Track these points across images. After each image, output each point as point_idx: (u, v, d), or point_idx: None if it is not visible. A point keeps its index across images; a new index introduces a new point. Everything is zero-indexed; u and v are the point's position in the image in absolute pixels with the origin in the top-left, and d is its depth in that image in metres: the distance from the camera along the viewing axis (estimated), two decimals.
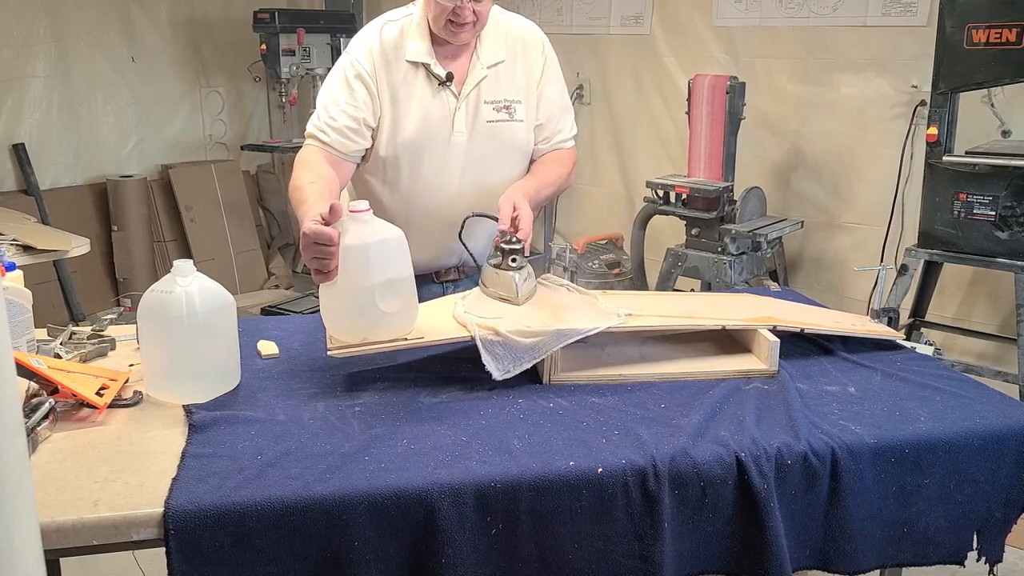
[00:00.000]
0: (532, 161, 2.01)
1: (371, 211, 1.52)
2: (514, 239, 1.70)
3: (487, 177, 1.94)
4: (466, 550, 1.25)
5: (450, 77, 1.87)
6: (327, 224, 1.45)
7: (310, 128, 1.87)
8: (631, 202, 4.56)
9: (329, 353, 1.52)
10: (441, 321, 1.63)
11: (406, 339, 1.55)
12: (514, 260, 1.70)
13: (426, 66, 1.87)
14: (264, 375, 1.62)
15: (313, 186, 1.70)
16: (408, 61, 1.86)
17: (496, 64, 1.91)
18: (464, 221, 1.81)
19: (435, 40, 1.87)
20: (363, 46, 1.86)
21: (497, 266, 1.72)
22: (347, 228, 1.48)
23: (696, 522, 1.34)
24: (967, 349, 3.56)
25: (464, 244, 1.83)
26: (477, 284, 1.94)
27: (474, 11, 1.79)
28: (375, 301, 1.49)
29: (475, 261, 1.92)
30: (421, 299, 1.78)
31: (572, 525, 1.29)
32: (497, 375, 1.52)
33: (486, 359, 1.53)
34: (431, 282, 2.01)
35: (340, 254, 1.46)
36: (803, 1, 3.83)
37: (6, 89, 4.37)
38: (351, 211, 1.49)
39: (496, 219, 1.73)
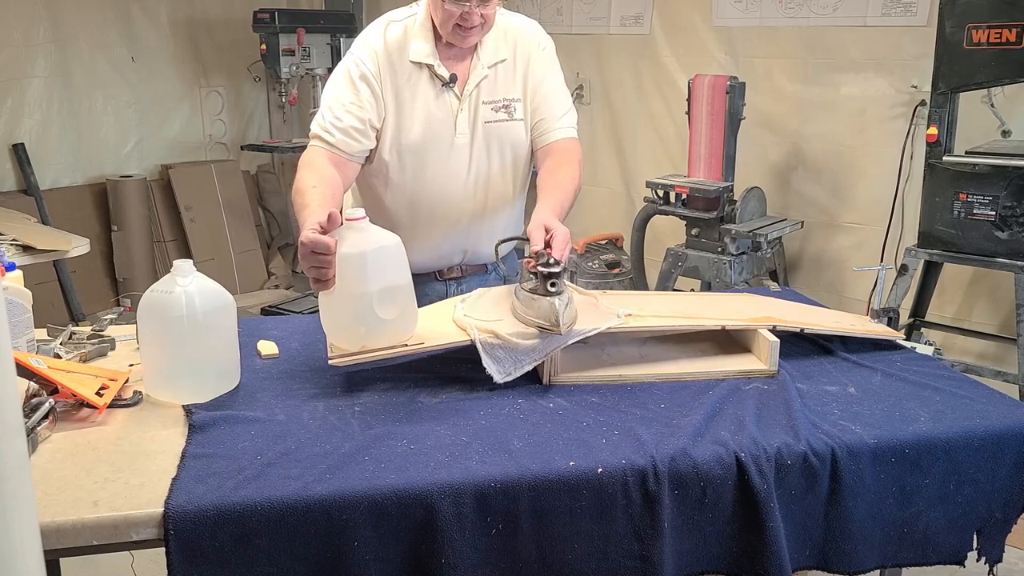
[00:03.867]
0: (533, 154, 1.97)
1: (367, 219, 1.51)
2: (551, 260, 1.55)
3: (490, 178, 1.93)
4: (466, 550, 1.25)
5: (454, 79, 1.86)
6: (324, 233, 1.45)
7: (314, 129, 1.85)
8: (631, 202, 4.56)
9: (330, 362, 1.52)
10: (441, 325, 1.62)
11: (406, 345, 1.55)
12: (553, 285, 1.54)
13: (430, 67, 1.86)
14: (264, 375, 1.62)
15: (315, 191, 1.69)
16: (412, 62, 1.85)
17: (496, 64, 1.90)
18: (497, 247, 1.78)
19: (439, 41, 1.87)
20: (367, 47, 1.85)
21: (534, 291, 1.57)
22: (344, 236, 1.47)
23: (696, 522, 1.34)
24: (967, 349, 3.56)
25: (500, 263, 1.85)
26: (480, 281, 1.94)
27: (481, 14, 1.78)
28: (373, 308, 1.49)
29: (501, 265, 1.91)
30: (425, 298, 1.77)
31: (572, 525, 1.29)
32: (498, 378, 1.52)
33: (487, 362, 1.52)
34: (434, 280, 2.01)
35: (337, 262, 1.46)
36: (803, 1, 3.83)
37: (6, 89, 4.37)
38: (347, 219, 1.49)
39: (525, 239, 1.65)
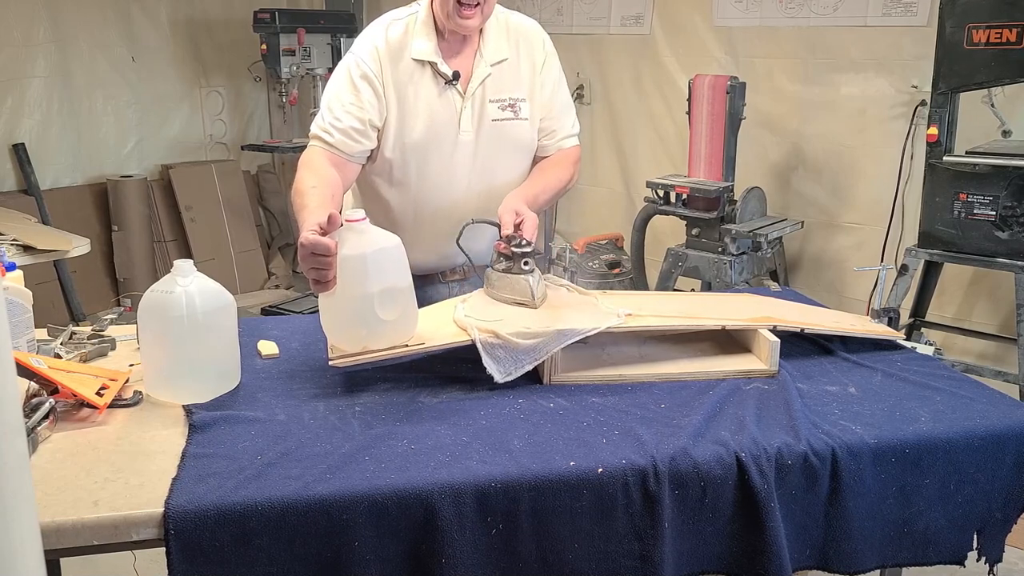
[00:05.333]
0: (535, 159, 2.00)
1: (367, 220, 1.51)
2: (523, 242, 1.68)
3: (493, 176, 1.93)
4: (466, 550, 1.25)
5: (456, 76, 1.86)
6: (325, 234, 1.44)
7: (314, 129, 1.85)
8: (631, 202, 4.56)
9: (331, 363, 1.52)
10: (442, 326, 1.63)
11: (407, 346, 1.55)
12: (527, 263, 1.68)
13: (432, 65, 1.86)
14: (264, 375, 1.62)
15: (315, 191, 1.68)
16: (414, 60, 1.85)
17: (500, 62, 1.90)
18: (463, 228, 1.77)
19: (441, 38, 1.87)
20: (368, 45, 1.85)
21: (507, 271, 1.70)
22: (344, 238, 1.47)
23: (696, 522, 1.34)
24: (967, 349, 3.56)
25: (462, 248, 1.79)
26: (483, 283, 1.94)
27: None
28: (374, 310, 1.49)
29: (472, 263, 1.91)
30: (427, 299, 1.77)
31: (572, 525, 1.29)
32: (499, 378, 1.52)
33: (487, 362, 1.52)
34: (437, 282, 2.01)
35: (338, 264, 1.45)
36: (803, 1, 3.83)
37: (6, 89, 4.36)
38: (347, 220, 1.49)
39: (497, 224, 1.72)
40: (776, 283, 3.76)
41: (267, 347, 1.73)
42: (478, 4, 1.79)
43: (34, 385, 1.42)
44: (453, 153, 1.89)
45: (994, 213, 2.94)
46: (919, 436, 1.42)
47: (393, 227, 1.59)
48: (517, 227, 1.70)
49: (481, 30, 1.89)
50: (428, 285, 1.96)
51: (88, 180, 4.80)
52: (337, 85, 1.86)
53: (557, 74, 1.98)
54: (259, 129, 5.62)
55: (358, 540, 1.21)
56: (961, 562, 1.48)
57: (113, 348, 1.72)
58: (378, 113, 1.84)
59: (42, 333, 1.75)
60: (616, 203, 4.71)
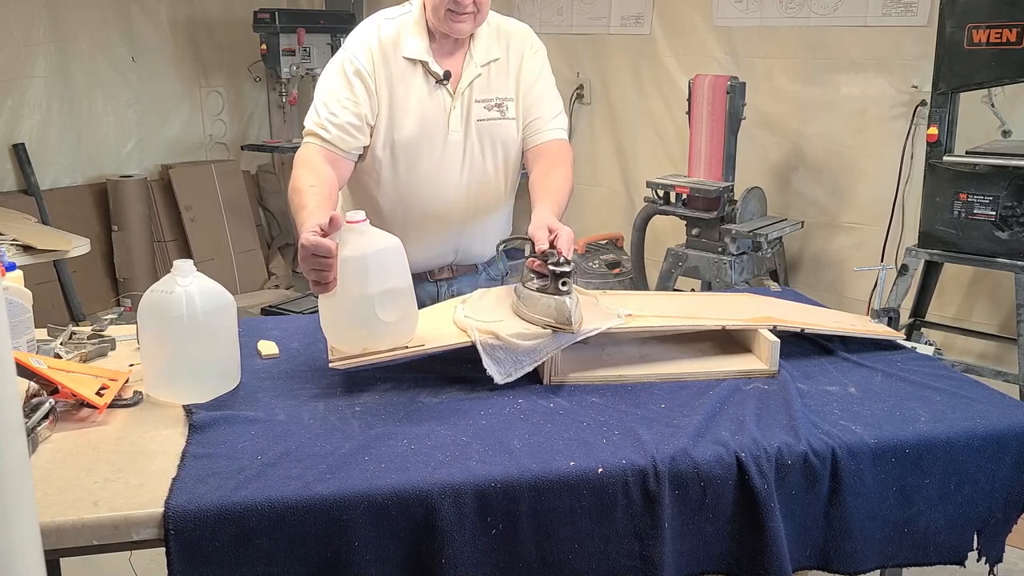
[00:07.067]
0: (523, 154, 1.97)
1: (368, 221, 1.51)
2: (562, 260, 1.55)
3: (482, 176, 1.93)
4: (466, 550, 1.25)
5: (447, 75, 1.86)
6: (325, 235, 1.44)
7: (309, 125, 1.84)
8: (631, 202, 4.56)
9: (331, 365, 1.52)
10: (441, 327, 1.62)
11: (407, 347, 1.55)
12: (564, 284, 1.55)
13: (424, 64, 1.86)
14: (264, 375, 1.62)
15: (313, 190, 1.68)
16: (406, 58, 1.85)
17: (489, 63, 1.90)
18: (499, 247, 1.76)
19: (432, 38, 1.87)
20: (361, 43, 1.85)
21: (542, 290, 1.58)
22: (344, 239, 1.47)
23: (696, 522, 1.34)
24: (967, 349, 3.56)
25: (503, 255, 1.78)
26: (471, 282, 1.93)
27: (475, 1, 1.78)
28: (375, 311, 1.48)
29: (500, 265, 1.89)
30: (417, 298, 1.76)
31: (572, 525, 1.29)
32: (499, 379, 1.52)
33: (487, 363, 1.52)
34: (426, 281, 2.00)
35: (338, 265, 1.45)
36: (803, 1, 3.83)
37: (6, 89, 4.37)
38: (348, 221, 1.48)
39: (525, 239, 1.66)
40: (776, 283, 3.76)
41: (267, 347, 1.73)
42: (470, 12, 1.79)
43: (34, 385, 1.42)
44: (443, 153, 1.89)
45: (994, 213, 2.94)
46: (919, 436, 1.42)
47: (381, 227, 1.58)
48: (552, 243, 1.60)
49: (472, 33, 1.89)
50: (417, 284, 1.95)
51: (88, 180, 4.80)
52: (331, 81, 1.85)
53: (539, 65, 1.95)
54: (259, 129, 5.62)
55: (358, 540, 1.21)
56: (961, 562, 1.48)
57: (113, 348, 1.72)
58: (371, 109, 1.84)
59: (42, 333, 1.75)
60: (616, 203, 4.71)
